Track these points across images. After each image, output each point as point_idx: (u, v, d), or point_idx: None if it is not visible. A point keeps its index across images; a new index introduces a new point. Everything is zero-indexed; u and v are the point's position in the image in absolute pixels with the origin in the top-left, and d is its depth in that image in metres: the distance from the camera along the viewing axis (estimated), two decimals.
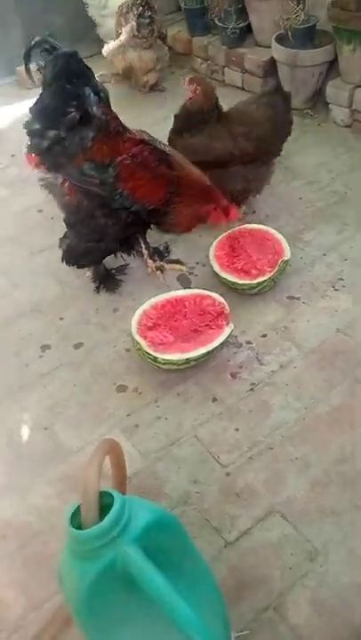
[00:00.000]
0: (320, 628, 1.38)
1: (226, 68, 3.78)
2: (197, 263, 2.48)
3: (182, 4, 3.88)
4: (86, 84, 1.81)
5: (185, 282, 2.40)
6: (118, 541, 1.03)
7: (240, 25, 3.61)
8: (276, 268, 2.15)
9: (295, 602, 1.42)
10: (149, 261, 2.41)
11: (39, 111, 1.82)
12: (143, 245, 2.40)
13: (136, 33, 3.55)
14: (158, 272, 2.40)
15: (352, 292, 2.23)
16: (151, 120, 3.35)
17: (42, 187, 2.07)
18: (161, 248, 2.51)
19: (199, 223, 2.21)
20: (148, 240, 2.42)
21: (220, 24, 3.66)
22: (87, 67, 1.83)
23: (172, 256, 2.51)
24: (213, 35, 3.88)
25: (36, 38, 1.78)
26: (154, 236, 2.48)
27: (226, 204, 2.12)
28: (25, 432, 1.88)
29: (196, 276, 2.42)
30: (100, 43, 4.09)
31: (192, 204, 2.07)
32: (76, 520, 1.09)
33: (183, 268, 2.45)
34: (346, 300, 2.21)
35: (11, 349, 2.17)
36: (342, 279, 2.30)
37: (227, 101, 3.59)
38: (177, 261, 2.48)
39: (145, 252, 2.41)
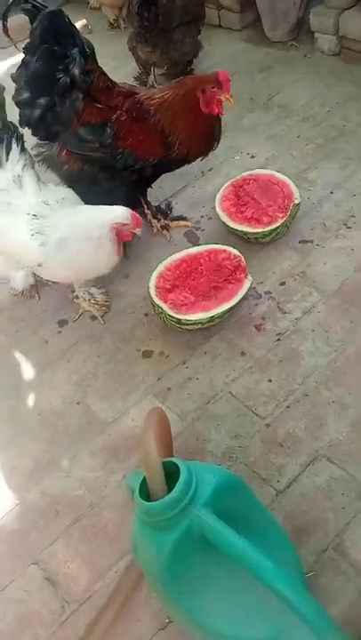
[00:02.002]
0: None
1: None
2: (202, 217, 2.42)
3: None
4: (74, 45, 1.70)
5: (192, 238, 2.34)
6: (191, 508, 1.04)
7: None
8: (289, 213, 2.10)
9: (353, 540, 1.46)
10: (154, 221, 2.35)
11: (28, 79, 1.71)
12: (145, 206, 2.33)
13: None
14: (164, 231, 2.35)
15: None
16: (129, 69, 3.21)
17: (39, 162, 1.97)
18: (163, 206, 2.44)
19: (206, 126, 1.97)
20: (148, 199, 2.35)
21: None
22: (72, 24, 1.72)
23: (175, 213, 2.45)
24: None
25: None
26: (153, 195, 2.41)
27: (211, 77, 1.87)
28: (58, 409, 1.87)
29: (203, 230, 2.36)
30: None
31: (186, 119, 1.90)
32: (143, 492, 1.09)
33: (188, 223, 2.39)
34: (360, 237, 2.17)
35: (28, 328, 2.14)
36: (354, 216, 2.26)
37: (204, 43, 3.46)
38: (181, 218, 2.42)
39: (148, 212, 2.34)
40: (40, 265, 1.71)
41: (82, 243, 1.69)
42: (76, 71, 1.70)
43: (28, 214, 1.70)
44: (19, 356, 2.06)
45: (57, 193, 1.76)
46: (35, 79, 1.72)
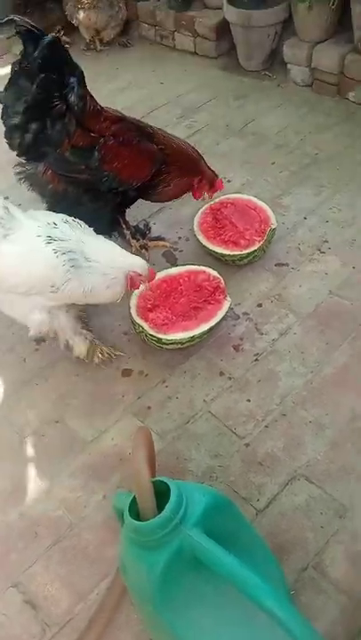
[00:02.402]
0: (360, 579, 1.45)
1: (176, 33, 3.69)
2: (180, 238, 2.46)
3: None
4: (71, 73, 1.74)
5: (171, 258, 2.38)
6: (181, 528, 1.05)
7: None
8: (265, 237, 2.16)
9: (332, 558, 1.49)
10: (133, 241, 2.37)
11: (26, 105, 1.72)
12: (124, 226, 2.35)
13: None
14: (143, 251, 2.37)
15: (338, 254, 2.28)
16: (106, 92, 3.27)
17: (20, 180, 1.97)
18: (141, 226, 2.47)
19: (184, 194, 2.20)
20: (127, 219, 2.38)
21: None
22: (68, 51, 1.76)
23: (153, 234, 2.48)
24: None
25: (9, 17, 1.68)
26: (131, 215, 2.44)
27: (211, 176, 2.12)
28: (36, 427, 1.86)
29: (181, 251, 2.40)
30: None
31: (179, 176, 2.06)
32: (133, 511, 1.10)
33: (167, 244, 2.43)
34: (333, 261, 2.25)
35: (4, 346, 2.12)
36: (327, 241, 2.34)
37: (179, 69, 3.56)
38: (159, 238, 2.45)
39: (126, 232, 2.37)
40: (55, 287, 1.65)
41: (97, 277, 1.68)
42: (75, 99, 1.73)
43: (39, 237, 1.63)
44: None
45: (51, 216, 1.72)
46: (32, 106, 1.73)
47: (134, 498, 1.10)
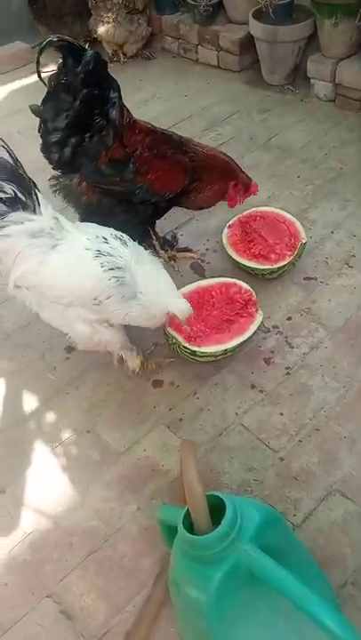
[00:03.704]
0: None
1: (199, 47, 3.73)
2: (207, 250, 2.47)
3: None
4: (111, 87, 1.76)
5: (199, 270, 2.39)
6: (237, 543, 1.05)
7: (212, 1, 3.55)
8: (297, 251, 2.17)
9: None
10: (162, 252, 2.39)
11: (68, 120, 1.74)
12: (154, 237, 2.37)
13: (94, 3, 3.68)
14: (172, 262, 2.38)
15: None
16: (130, 104, 3.28)
17: (55, 192, 1.98)
18: (169, 237, 2.49)
19: (219, 200, 2.21)
20: (156, 230, 2.39)
21: (190, 1, 3.59)
22: (106, 65, 1.78)
23: (180, 245, 2.49)
24: (183, 13, 3.81)
25: (50, 38, 1.69)
26: (159, 226, 2.45)
27: (246, 179, 2.13)
28: (68, 437, 1.85)
29: (209, 263, 2.41)
30: None
31: (213, 182, 2.08)
32: (186, 525, 1.10)
33: (194, 255, 2.44)
34: None
35: (35, 354, 2.12)
36: (354, 256, 2.35)
37: (202, 82, 3.59)
38: (186, 249, 2.46)
39: (155, 243, 2.38)
40: (98, 301, 1.65)
41: (141, 308, 1.70)
42: (116, 114, 1.75)
43: (87, 249, 1.62)
44: (27, 383, 2.03)
45: (102, 230, 1.71)
46: (74, 122, 1.75)
47: (188, 511, 1.10)
